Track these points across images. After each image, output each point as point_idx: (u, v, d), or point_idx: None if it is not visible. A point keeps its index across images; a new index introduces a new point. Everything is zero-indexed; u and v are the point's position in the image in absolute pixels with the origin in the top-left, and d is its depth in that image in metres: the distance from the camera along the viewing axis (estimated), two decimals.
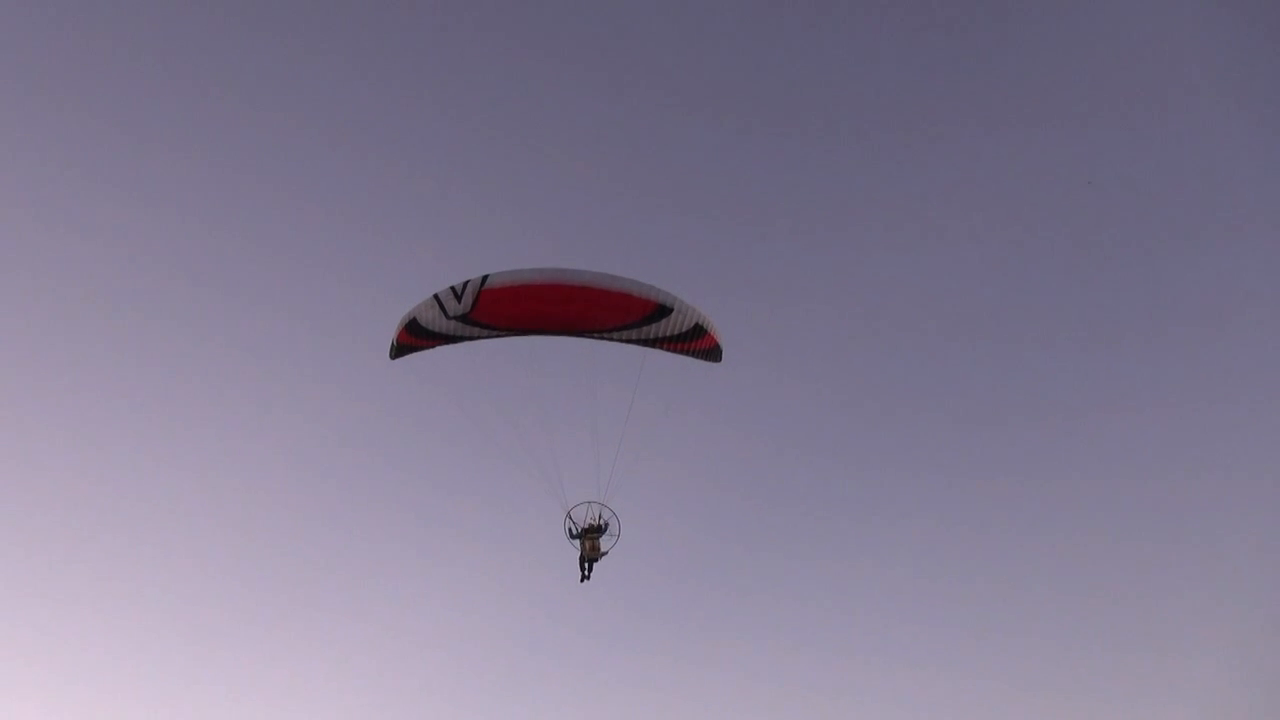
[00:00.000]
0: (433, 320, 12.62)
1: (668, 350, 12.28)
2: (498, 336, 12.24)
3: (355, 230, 35.50)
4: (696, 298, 11.97)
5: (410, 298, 13.25)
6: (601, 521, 12.56)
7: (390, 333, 13.53)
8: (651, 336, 11.95)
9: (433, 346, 12.89)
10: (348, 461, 30.57)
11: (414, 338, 13.14)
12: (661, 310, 11.69)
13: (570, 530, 12.75)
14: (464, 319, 12.12)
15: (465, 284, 12.14)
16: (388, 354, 13.48)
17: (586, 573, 12.82)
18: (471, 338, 12.38)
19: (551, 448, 12.90)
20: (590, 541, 12.63)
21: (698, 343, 12.29)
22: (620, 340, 11.90)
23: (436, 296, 12.61)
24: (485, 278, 11.99)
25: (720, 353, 12.77)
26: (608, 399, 12.97)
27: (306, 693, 26.87)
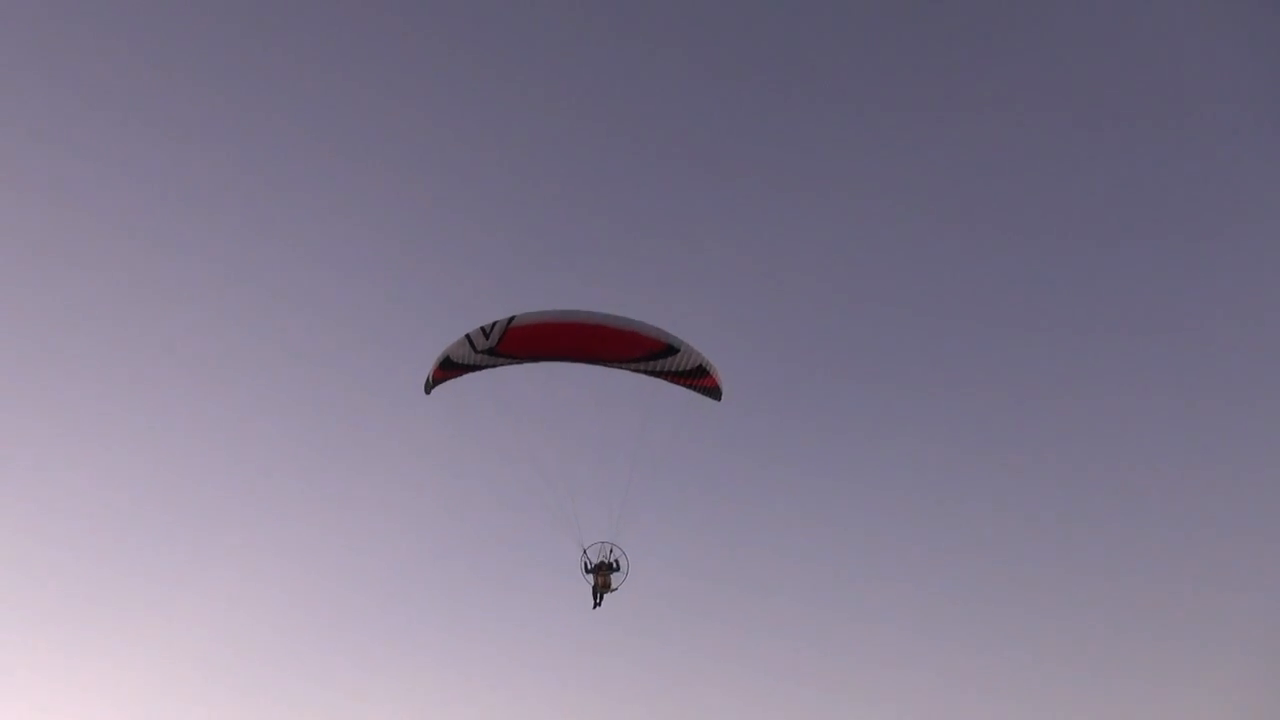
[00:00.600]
0: (463, 355, 13.97)
1: (674, 383, 13.51)
2: (519, 364, 13.59)
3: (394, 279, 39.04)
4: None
5: (440, 338, 14.66)
6: (613, 559, 13.83)
7: (426, 371, 14.93)
8: (659, 369, 13.17)
9: (460, 376, 14.23)
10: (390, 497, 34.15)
11: (446, 372, 14.50)
12: (669, 350, 13.02)
13: (585, 565, 13.92)
14: (490, 352, 13.47)
15: (494, 324, 13.52)
16: (424, 389, 14.83)
17: (598, 601, 13.86)
18: (495, 366, 13.71)
19: (570, 489, 14.02)
20: (602, 578, 13.80)
21: (700, 381, 13.48)
22: (630, 370, 13.21)
23: (468, 335, 13.97)
24: (512, 318, 13.39)
25: (720, 393, 13.96)
26: (617, 446, 14.13)
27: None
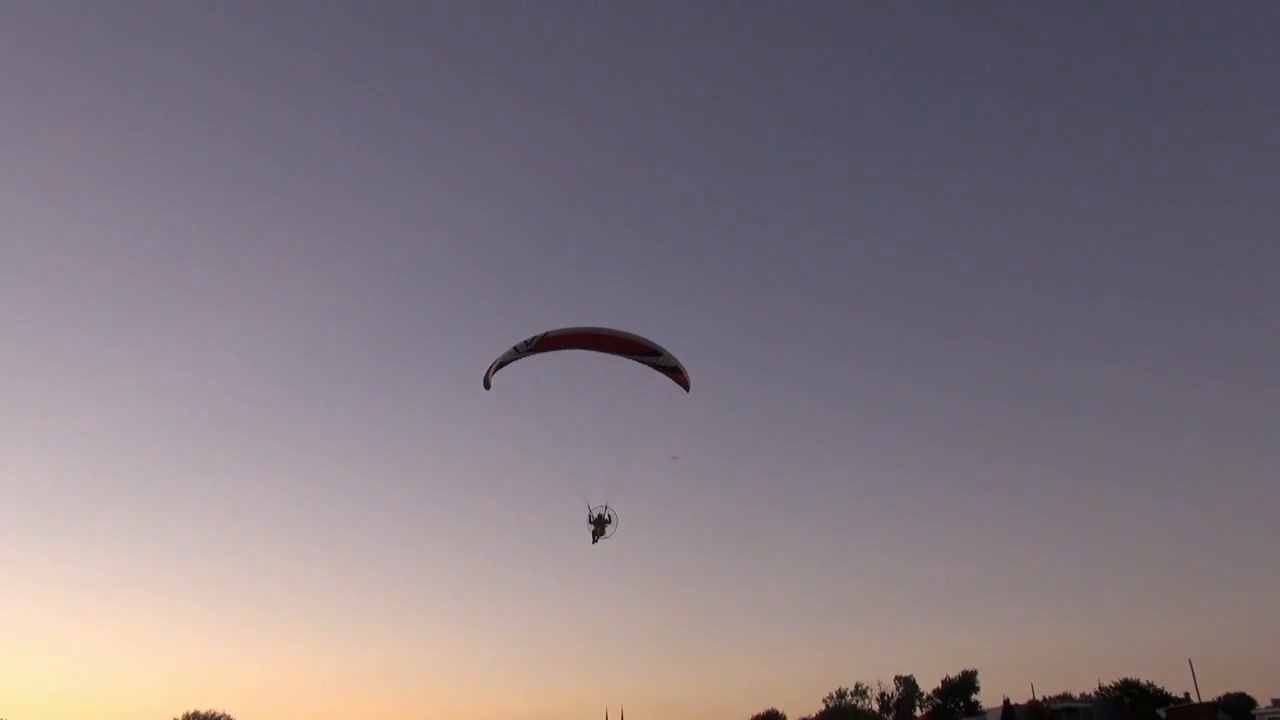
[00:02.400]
0: (510, 357, 23.34)
1: (658, 371, 21.85)
2: (549, 352, 22.56)
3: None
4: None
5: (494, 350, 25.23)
6: (608, 515, 20.36)
7: (481, 373, 25.08)
8: (648, 363, 21.19)
9: (507, 365, 23.18)
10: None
11: (497, 369, 23.90)
12: (654, 351, 21.76)
13: (589, 517, 20.57)
14: (528, 350, 22.34)
15: (533, 336, 23.35)
16: (484, 386, 23.56)
17: (594, 540, 20.17)
18: (532, 355, 22.58)
19: (582, 461, 21.32)
20: (597, 527, 20.41)
21: (676, 375, 21.62)
22: (628, 359, 21.53)
23: (514, 346, 23.84)
24: (546, 332, 23.08)
25: (688, 386, 21.19)
26: (615, 440, 22.06)
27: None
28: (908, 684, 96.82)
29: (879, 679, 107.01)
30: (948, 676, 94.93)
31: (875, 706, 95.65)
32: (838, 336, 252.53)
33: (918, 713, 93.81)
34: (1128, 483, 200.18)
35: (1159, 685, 77.81)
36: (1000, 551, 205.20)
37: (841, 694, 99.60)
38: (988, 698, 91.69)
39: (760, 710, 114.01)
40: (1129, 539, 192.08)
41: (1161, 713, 72.10)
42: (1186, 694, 74.19)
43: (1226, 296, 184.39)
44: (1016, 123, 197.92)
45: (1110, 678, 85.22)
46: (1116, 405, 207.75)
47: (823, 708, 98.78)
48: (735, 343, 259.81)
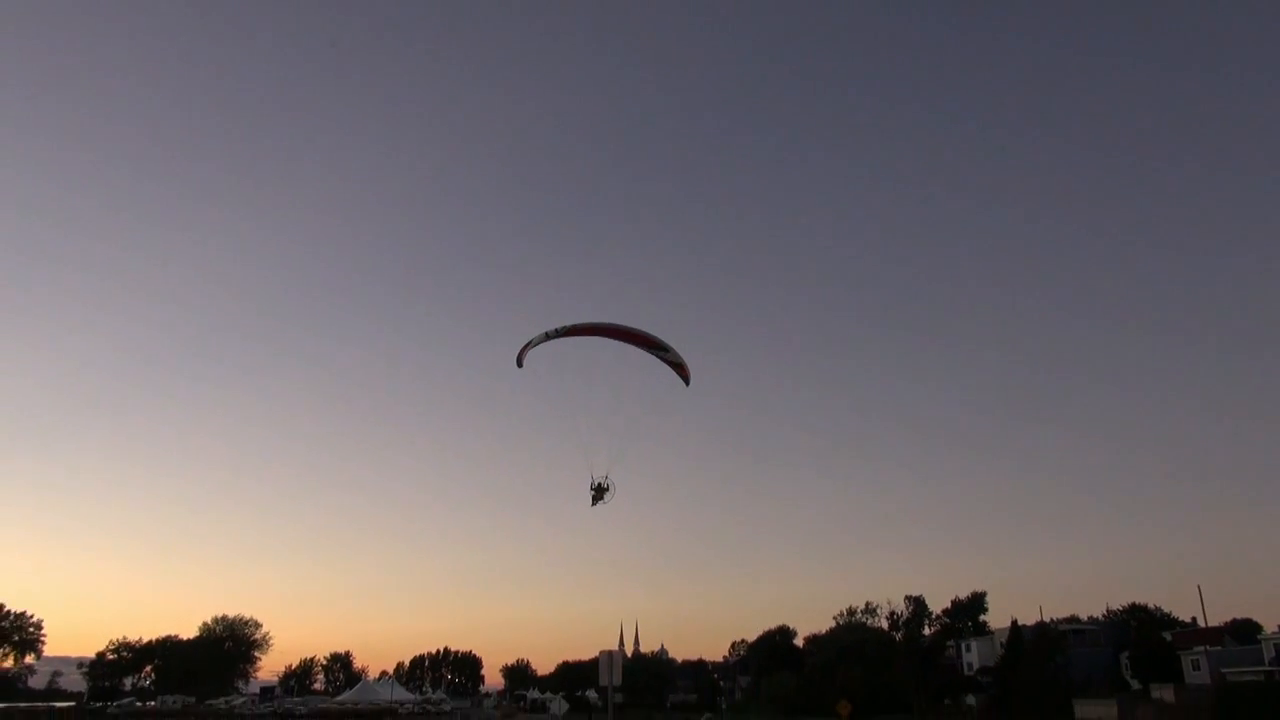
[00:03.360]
0: (539, 340, 23.74)
1: (664, 363, 23.56)
2: (574, 336, 23.29)
3: None
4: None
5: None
6: (607, 483, 22.76)
7: (514, 353, 24.98)
8: (657, 355, 23.40)
9: (536, 346, 23.76)
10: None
11: (529, 350, 24.10)
12: (664, 348, 23.41)
13: (590, 484, 22.95)
14: (556, 335, 23.12)
15: (563, 326, 23.57)
16: (516, 364, 24.18)
17: (593, 504, 22.82)
18: (559, 338, 23.39)
19: (588, 438, 23.43)
20: (597, 493, 22.89)
21: (679, 370, 23.78)
22: (642, 350, 23.19)
23: (545, 332, 24.00)
24: (575, 324, 23.52)
25: (688, 381, 23.93)
26: (622, 411, 23.88)
27: None
28: (917, 603, 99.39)
29: (889, 599, 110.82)
30: (957, 597, 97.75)
31: (885, 625, 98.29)
32: (855, 245, 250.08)
33: (926, 631, 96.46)
34: (1141, 409, 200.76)
35: (1166, 610, 79.61)
36: (1013, 476, 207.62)
37: (852, 611, 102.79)
38: (995, 619, 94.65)
39: (772, 627, 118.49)
40: (1140, 466, 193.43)
41: (1168, 636, 73.73)
42: (1194, 618, 75.91)
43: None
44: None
45: (1118, 602, 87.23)
46: (1127, 325, 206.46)
47: (833, 625, 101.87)
48: (749, 257, 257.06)
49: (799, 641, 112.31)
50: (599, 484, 21.75)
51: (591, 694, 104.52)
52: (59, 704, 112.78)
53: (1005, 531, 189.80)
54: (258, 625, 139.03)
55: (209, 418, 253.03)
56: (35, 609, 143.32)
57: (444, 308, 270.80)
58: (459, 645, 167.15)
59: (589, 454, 22.15)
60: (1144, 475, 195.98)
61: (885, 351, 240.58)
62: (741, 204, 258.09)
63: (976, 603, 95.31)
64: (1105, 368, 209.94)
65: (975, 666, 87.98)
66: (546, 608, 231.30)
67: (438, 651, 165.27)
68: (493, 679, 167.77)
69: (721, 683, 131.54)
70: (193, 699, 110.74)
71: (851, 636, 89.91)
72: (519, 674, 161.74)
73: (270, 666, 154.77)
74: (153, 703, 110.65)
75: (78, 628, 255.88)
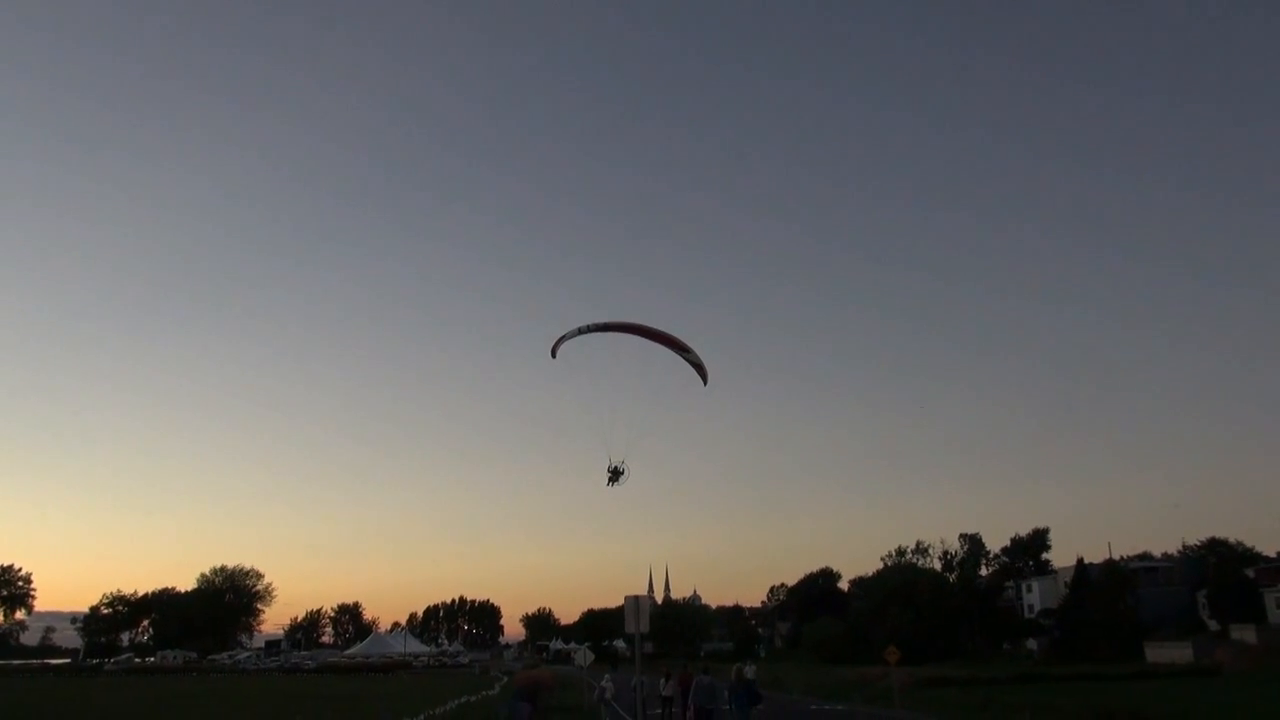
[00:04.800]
0: (573, 334, 22.06)
1: (686, 361, 22.56)
2: (603, 332, 21.78)
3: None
4: None
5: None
6: (623, 466, 22.23)
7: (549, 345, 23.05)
8: (682, 355, 22.40)
9: (571, 339, 22.25)
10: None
11: (561, 342, 22.48)
12: (686, 349, 22.31)
13: (608, 468, 22.19)
14: (588, 330, 21.66)
15: (595, 323, 21.82)
16: (550, 355, 22.78)
17: (609, 484, 22.21)
18: (591, 333, 21.87)
19: (610, 426, 21.68)
20: (613, 475, 22.19)
21: (699, 370, 22.72)
22: (664, 347, 22.09)
23: (579, 327, 22.12)
24: (608, 323, 21.90)
25: (705, 382, 22.96)
26: (637, 403, 21.93)
27: None
28: (972, 542, 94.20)
29: (942, 537, 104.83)
30: (1017, 535, 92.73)
31: (937, 565, 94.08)
32: (908, 181, 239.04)
33: (983, 571, 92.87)
34: (1219, 326, 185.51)
35: (1249, 544, 75.69)
36: (1078, 398, 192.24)
37: (901, 552, 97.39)
38: (1059, 557, 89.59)
39: (813, 569, 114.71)
40: (1219, 386, 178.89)
41: (1250, 572, 70.21)
42: (1279, 553, 72.13)
43: None
44: None
45: (1195, 537, 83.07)
46: (1199, 260, 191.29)
47: (880, 566, 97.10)
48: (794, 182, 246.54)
49: (843, 585, 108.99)
50: (615, 467, 22.41)
51: (619, 644, 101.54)
52: (53, 660, 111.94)
53: (1070, 461, 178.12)
54: (259, 576, 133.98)
55: (205, 359, 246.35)
56: (24, 562, 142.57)
57: (462, 254, 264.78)
58: (476, 594, 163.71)
59: (608, 439, 22.27)
60: (1224, 396, 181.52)
61: (934, 263, 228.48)
62: (785, 151, 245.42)
63: (1038, 540, 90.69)
64: (1175, 292, 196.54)
65: (1036, 609, 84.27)
66: (569, 553, 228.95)
67: (453, 601, 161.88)
68: (512, 629, 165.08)
69: (760, 630, 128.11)
70: (194, 654, 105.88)
71: (901, 578, 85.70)
72: (541, 624, 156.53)
73: (275, 619, 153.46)
74: (152, 659, 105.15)
75: (70, 581, 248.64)
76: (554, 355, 22.75)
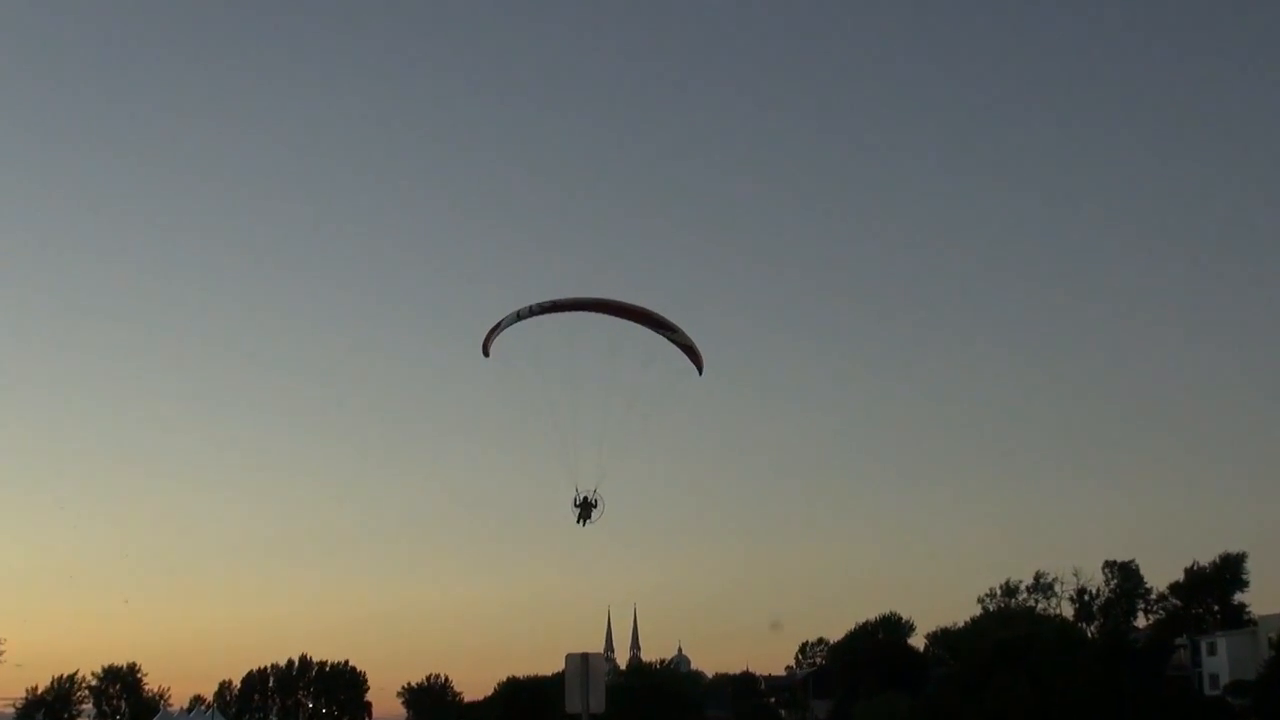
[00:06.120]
0: (510, 320, 18.51)
1: (672, 343, 18.32)
2: (550, 313, 18.04)
3: None
4: None
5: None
6: (594, 499, 18.62)
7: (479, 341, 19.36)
8: (664, 335, 18.13)
9: (508, 329, 18.74)
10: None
11: (496, 334, 18.89)
12: (671, 328, 18.08)
13: (574, 500, 18.78)
14: (529, 314, 18.00)
15: (539, 303, 17.96)
16: (483, 354, 19.22)
17: (579, 521, 18.74)
18: (533, 316, 18.22)
19: (574, 450, 18.19)
20: (583, 510, 18.85)
21: (691, 354, 18.55)
22: (637, 323, 17.91)
23: (517, 311, 18.45)
24: (556, 300, 17.93)
25: (701, 369, 18.94)
26: (611, 408, 18.22)
27: None
28: (1125, 573, 71.73)
29: (1076, 567, 75.62)
30: (1195, 564, 68.76)
31: (1069, 611, 70.77)
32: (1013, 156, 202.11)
33: (1140, 621, 72.51)
34: None
35: None
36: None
37: (1011, 590, 73.44)
38: (1260, 600, 67.37)
39: (868, 617, 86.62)
40: None
41: None
42: None
43: None
44: None
45: None
46: None
47: (978, 612, 72.88)
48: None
49: (916, 641, 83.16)
50: (585, 498, 18.33)
51: None
52: None
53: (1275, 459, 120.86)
54: None
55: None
56: None
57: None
58: (328, 653, 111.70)
59: (573, 463, 18.15)
60: None
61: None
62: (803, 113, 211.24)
63: (1228, 572, 68.13)
64: None
65: (1224, 679, 64.48)
66: (479, 591, 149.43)
67: (291, 663, 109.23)
68: (385, 709, 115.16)
69: (783, 712, 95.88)
70: None
71: (1010, 631, 64.14)
72: (431, 699, 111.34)
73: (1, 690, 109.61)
74: None
75: None
76: (486, 354, 18.99)
